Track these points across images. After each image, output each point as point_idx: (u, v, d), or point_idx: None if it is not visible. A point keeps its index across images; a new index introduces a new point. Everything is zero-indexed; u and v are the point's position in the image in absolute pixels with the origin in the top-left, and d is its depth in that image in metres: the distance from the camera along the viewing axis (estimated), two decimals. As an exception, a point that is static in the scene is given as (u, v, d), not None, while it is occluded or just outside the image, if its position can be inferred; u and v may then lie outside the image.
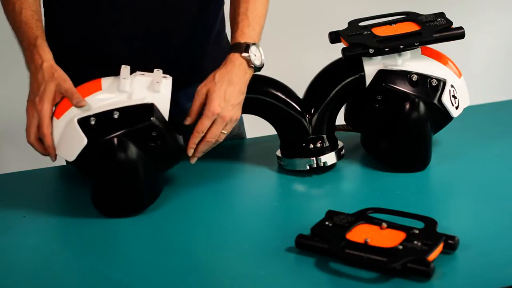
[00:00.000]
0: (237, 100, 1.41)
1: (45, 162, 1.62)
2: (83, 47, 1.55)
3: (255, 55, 1.44)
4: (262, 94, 1.47)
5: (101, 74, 1.40)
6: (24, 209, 1.40)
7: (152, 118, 1.32)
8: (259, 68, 1.46)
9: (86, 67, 1.53)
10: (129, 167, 1.32)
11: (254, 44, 1.45)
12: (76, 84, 1.36)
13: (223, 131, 1.40)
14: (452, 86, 1.49)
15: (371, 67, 1.48)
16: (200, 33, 1.60)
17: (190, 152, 1.41)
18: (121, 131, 1.31)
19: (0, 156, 2.69)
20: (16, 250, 1.27)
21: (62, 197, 1.46)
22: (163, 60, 1.54)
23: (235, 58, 1.43)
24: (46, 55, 1.38)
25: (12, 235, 1.33)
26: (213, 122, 1.39)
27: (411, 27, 1.49)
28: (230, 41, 1.50)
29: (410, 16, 1.52)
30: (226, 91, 1.40)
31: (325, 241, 1.17)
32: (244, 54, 1.43)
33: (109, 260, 1.23)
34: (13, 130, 2.64)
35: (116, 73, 1.37)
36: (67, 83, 1.35)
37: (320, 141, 1.49)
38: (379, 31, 1.49)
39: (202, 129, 1.39)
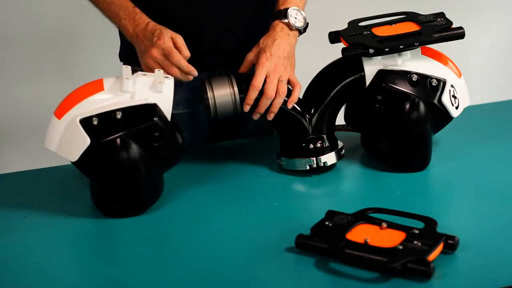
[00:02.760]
0: (283, 53, 1.47)
1: (45, 162, 1.62)
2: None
3: (296, 17, 1.51)
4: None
5: None
6: (24, 209, 1.40)
7: (155, 118, 1.32)
8: (302, 29, 1.52)
9: None
10: (132, 167, 1.32)
11: (293, 8, 1.51)
12: None
13: (281, 81, 1.45)
14: (452, 86, 1.49)
15: (371, 67, 1.48)
16: (267, 5, 1.62)
17: (247, 108, 1.46)
18: (124, 131, 1.31)
19: (0, 156, 2.69)
20: (16, 250, 1.27)
21: (62, 197, 1.46)
22: (233, 37, 1.61)
23: (276, 24, 1.51)
24: (148, 19, 1.47)
25: (12, 235, 1.33)
26: (267, 76, 1.45)
27: (411, 27, 1.49)
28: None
29: (410, 16, 1.52)
30: (271, 47, 1.47)
31: (325, 241, 1.17)
32: (284, 20, 1.50)
33: (109, 260, 1.24)
34: (13, 130, 2.64)
35: (190, 53, 1.46)
36: (180, 38, 1.44)
37: (320, 141, 1.49)
38: (379, 31, 1.49)
39: (256, 84, 1.44)
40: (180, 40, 1.44)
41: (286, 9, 1.51)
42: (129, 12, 1.49)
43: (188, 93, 1.60)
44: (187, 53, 1.44)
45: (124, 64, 1.69)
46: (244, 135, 1.72)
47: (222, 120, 1.51)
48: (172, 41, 1.43)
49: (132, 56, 1.60)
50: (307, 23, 1.53)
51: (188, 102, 1.61)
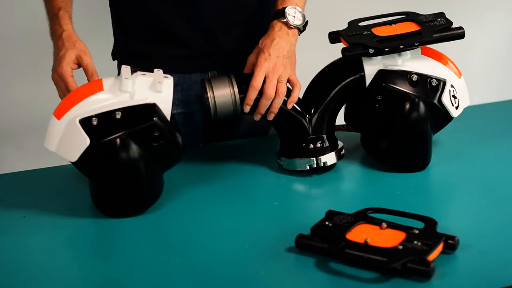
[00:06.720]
0: (282, 52, 1.47)
1: (45, 162, 1.62)
2: (148, 27, 1.60)
3: (294, 16, 1.50)
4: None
5: (167, 54, 1.55)
6: (24, 209, 1.40)
7: (154, 118, 1.32)
8: (301, 28, 1.52)
9: (154, 47, 1.60)
10: (132, 167, 1.32)
11: (291, 6, 1.50)
12: (146, 67, 1.42)
13: (281, 81, 1.45)
14: (452, 86, 1.49)
15: (371, 67, 1.48)
16: (263, 6, 1.63)
17: (247, 108, 1.46)
18: (124, 131, 1.31)
19: (0, 156, 2.69)
20: (16, 250, 1.27)
21: (62, 197, 1.46)
22: (228, 38, 1.61)
23: (274, 24, 1.50)
24: (67, 26, 1.47)
25: (12, 235, 1.33)
26: (266, 76, 1.45)
27: (411, 27, 1.49)
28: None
29: (410, 16, 1.52)
30: (269, 47, 1.46)
31: (325, 241, 1.17)
32: (282, 19, 1.49)
33: (109, 260, 1.24)
34: (13, 130, 2.64)
35: (183, 53, 1.54)
36: (87, 57, 1.43)
37: (320, 141, 1.49)
38: (379, 31, 1.49)
39: (255, 84, 1.44)
40: (85, 60, 1.43)
41: (284, 8, 1.51)
42: (53, 15, 1.50)
43: (182, 93, 1.60)
44: (90, 73, 1.43)
45: (118, 63, 1.69)
46: (237, 136, 1.72)
47: (216, 121, 1.51)
48: (77, 61, 1.43)
49: (125, 55, 1.61)
50: (307, 21, 1.53)
51: (182, 102, 1.61)
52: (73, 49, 1.43)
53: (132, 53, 1.62)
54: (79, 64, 1.43)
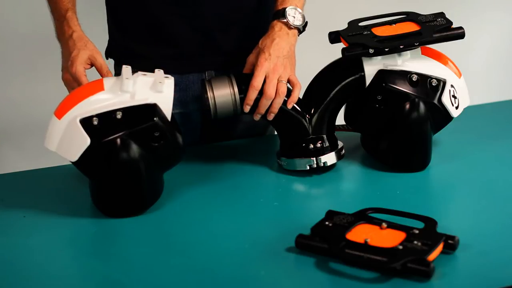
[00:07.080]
0: (282, 52, 1.47)
1: (45, 162, 1.62)
2: (147, 27, 1.60)
3: (294, 16, 1.51)
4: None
5: (165, 54, 1.56)
6: (24, 209, 1.40)
7: (155, 119, 1.32)
8: (301, 28, 1.52)
9: (152, 47, 1.60)
10: (132, 167, 1.32)
11: (291, 7, 1.51)
12: (144, 66, 1.43)
13: (281, 81, 1.45)
14: (452, 86, 1.49)
15: (371, 67, 1.48)
16: (262, 7, 1.63)
17: (247, 108, 1.46)
18: (124, 131, 1.31)
19: (0, 156, 2.69)
20: (16, 250, 1.27)
21: (62, 197, 1.46)
22: (226, 38, 1.61)
23: (274, 24, 1.51)
24: (76, 27, 1.48)
25: (12, 235, 1.33)
26: (266, 76, 1.45)
27: (411, 27, 1.49)
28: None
29: (410, 16, 1.52)
30: (269, 47, 1.47)
31: (325, 241, 1.17)
32: (282, 19, 1.50)
33: (109, 260, 1.24)
34: (13, 130, 2.64)
35: (181, 53, 1.56)
36: (99, 57, 1.44)
37: (320, 141, 1.49)
38: (379, 31, 1.49)
39: (256, 84, 1.44)
40: (98, 60, 1.44)
41: (284, 9, 1.51)
42: (60, 16, 1.50)
43: (180, 93, 1.60)
44: (105, 72, 1.44)
45: (114, 62, 1.69)
46: (236, 136, 1.72)
47: (216, 121, 1.51)
48: (90, 61, 1.43)
49: (122, 54, 1.60)
50: (306, 22, 1.53)
51: (180, 102, 1.61)
52: (85, 49, 1.43)
53: (129, 52, 1.62)
54: (91, 64, 1.44)
